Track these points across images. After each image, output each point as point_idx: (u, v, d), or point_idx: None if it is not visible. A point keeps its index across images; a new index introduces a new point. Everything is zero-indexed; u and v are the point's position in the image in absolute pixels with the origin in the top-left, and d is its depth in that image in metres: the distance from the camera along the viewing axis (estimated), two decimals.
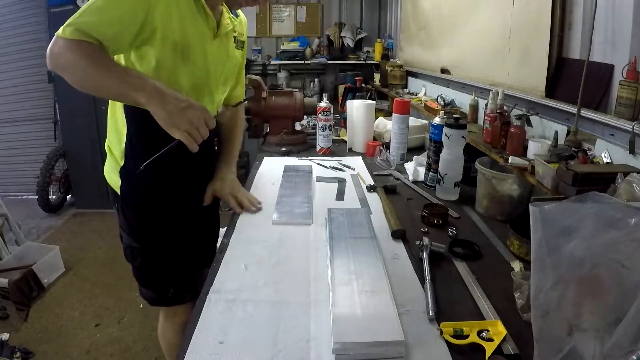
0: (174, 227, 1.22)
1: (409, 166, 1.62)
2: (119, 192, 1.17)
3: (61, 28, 0.92)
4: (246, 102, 1.62)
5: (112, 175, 1.19)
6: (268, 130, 2.00)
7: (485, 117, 1.48)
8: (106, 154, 1.23)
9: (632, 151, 0.99)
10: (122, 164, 1.15)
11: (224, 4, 1.17)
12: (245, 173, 1.71)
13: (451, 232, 1.14)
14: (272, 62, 4.07)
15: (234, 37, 1.25)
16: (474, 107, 1.86)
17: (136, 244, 1.20)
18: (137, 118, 1.09)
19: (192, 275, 1.28)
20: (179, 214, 1.23)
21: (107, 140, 1.21)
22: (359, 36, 4.08)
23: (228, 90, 1.33)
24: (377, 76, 3.49)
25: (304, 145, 1.96)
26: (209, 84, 1.18)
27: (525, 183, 1.20)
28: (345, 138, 2.00)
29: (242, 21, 1.32)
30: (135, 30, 0.97)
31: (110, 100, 1.13)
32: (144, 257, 1.21)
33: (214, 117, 1.00)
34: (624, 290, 0.56)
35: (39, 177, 3.56)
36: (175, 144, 0.95)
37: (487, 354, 0.69)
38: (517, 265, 0.97)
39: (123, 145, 1.13)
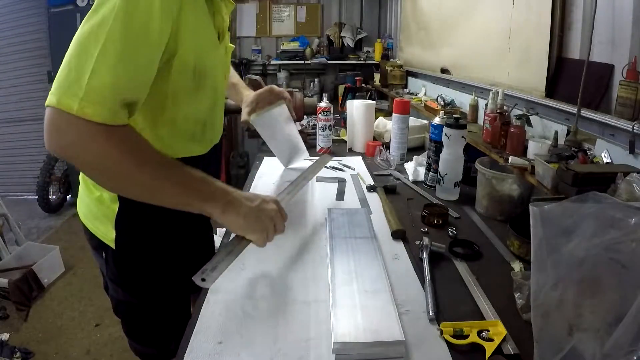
0: (173, 276, 1.01)
1: (409, 166, 1.62)
2: (112, 245, 0.92)
3: (64, 93, 0.63)
4: None
5: (97, 224, 0.94)
6: None
7: (485, 117, 1.48)
8: (77, 188, 0.98)
9: (632, 151, 0.99)
10: (116, 209, 0.90)
11: None
12: (245, 173, 1.71)
13: (451, 232, 1.14)
14: (272, 62, 4.07)
15: None
16: (474, 107, 1.86)
17: (133, 299, 1.00)
18: None
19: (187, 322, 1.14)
20: (178, 259, 1.02)
21: (81, 174, 0.91)
22: (359, 36, 4.08)
23: None
24: (377, 76, 3.49)
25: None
26: (220, 98, 1.00)
27: (525, 183, 1.20)
28: (345, 138, 2.00)
29: None
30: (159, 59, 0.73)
31: None
32: (143, 314, 1.02)
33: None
34: (624, 290, 0.56)
35: (39, 177, 3.56)
36: (246, 245, 0.82)
37: (487, 354, 0.69)
38: (517, 265, 0.97)
39: None
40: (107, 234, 0.93)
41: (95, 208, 0.94)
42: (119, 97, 0.67)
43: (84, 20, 0.66)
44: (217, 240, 1.18)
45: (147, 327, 1.03)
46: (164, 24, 0.69)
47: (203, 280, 0.73)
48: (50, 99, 0.64)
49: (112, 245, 0.93)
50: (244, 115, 1.27)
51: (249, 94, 1.30)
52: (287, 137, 1.48)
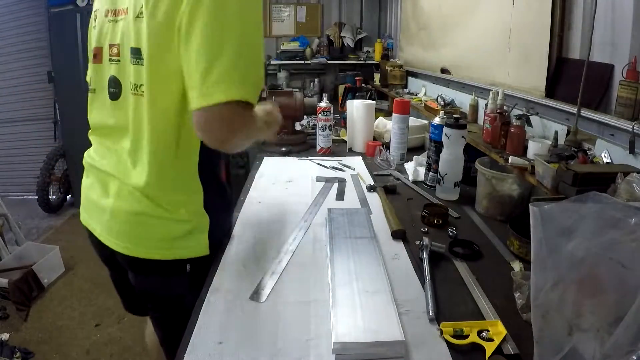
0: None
1: (409, 166, 1.62)
2: (196, 254, 0.94)
3: (233, 92, 0.74)
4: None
5: (182, 243, 0.92)
6: None
7: (485, 117, 1.48)
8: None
9: (632, 151, 0.99)
10: (207, 218, 0.95)
11: None
12: (245, 173, 1.71)
13: (451, 232, 1.14)
14: (272, 62, 4.07)
15: None
16: (474, 107, 1.86)
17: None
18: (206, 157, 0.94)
19: None
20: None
21: (169, 206, 0.89)
22: (359, 36, 4.08)
23: None
24: (377, 76, 3.49)
25: (304, 145, 1.96)
26: None
27: (525, 183, 1.20)
28: (345, 138, 2.00)
29: None
30: None
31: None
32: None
33: None
34: (624, 290, 0.56)
35: (39, 177, 3.56)
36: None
37: (487, 354, 0.69)
38: (517, 265, 0.97)
39: (201, 196, 0.93)
40: (198, 245, 0.94)
41: (178, 227, 0.91)
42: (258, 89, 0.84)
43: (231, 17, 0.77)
44: None
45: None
46: None
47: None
48: (227, 95, 0.74)
49: (196, 254, 0.94)
50: None
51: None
52: None
